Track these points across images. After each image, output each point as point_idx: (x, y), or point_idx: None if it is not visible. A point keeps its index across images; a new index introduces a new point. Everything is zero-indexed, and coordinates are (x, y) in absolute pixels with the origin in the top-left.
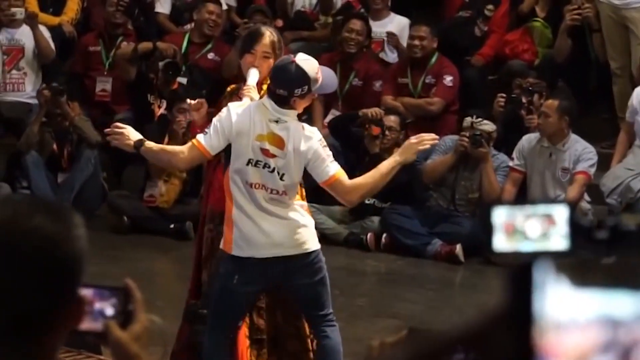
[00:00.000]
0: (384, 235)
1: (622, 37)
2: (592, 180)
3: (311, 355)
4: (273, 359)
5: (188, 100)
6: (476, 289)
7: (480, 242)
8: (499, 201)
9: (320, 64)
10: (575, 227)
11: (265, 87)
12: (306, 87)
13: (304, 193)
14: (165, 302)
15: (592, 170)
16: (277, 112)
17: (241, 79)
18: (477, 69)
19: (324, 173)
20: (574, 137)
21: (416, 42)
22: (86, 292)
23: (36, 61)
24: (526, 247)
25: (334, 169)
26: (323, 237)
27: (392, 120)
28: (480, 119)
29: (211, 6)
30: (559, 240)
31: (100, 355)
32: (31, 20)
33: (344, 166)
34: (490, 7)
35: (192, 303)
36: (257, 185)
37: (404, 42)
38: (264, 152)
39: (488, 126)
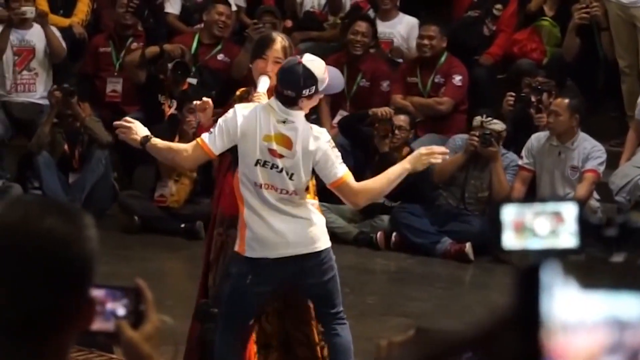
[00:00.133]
0: (394, 233)
1: (630, 36)
2: (601, 178)
3: None
4: None
5: (194, 101)
6: (486, 288)
7: (490, 240)
8: (509, 199)
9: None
10: (584, 225)
11: None
12: (313, 87)
13: (315, 189)
14: (176, 301)
15: (601, 169)
16: (285, 112)
17: (250, 80)
18: (486, 68)
19: (331, 175)
20: (582, 135)
21: (425, 41)
22: (98, 293)
23: (47, 62)
24: (535, 244)
25: (342, 171)
26: (333, 235)
27: (401, 119)
28: (489, 118)
29: (221, 7)
30: (568, 237)
31: (112, 354)
32: (42, 18)
33: (353, 165)
34: (498, 6)
35: (202, 302)
36: (266, 186)
37: (413, 42)
38: (272, 152)
39: (498, 125)
